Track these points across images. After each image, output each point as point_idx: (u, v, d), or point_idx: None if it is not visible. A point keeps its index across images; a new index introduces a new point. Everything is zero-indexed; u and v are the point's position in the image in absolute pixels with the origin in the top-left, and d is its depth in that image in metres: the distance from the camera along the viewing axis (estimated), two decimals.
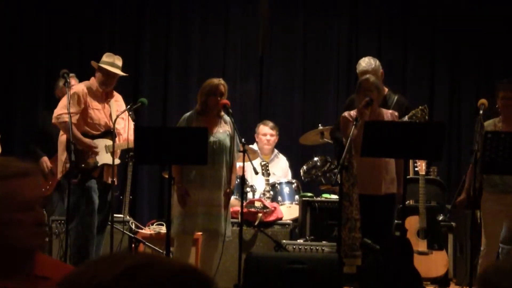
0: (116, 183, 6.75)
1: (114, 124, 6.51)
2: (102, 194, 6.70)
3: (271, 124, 8.50)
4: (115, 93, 6.90)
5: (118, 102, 6.86)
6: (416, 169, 7.56)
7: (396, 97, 7.09)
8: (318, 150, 8.50)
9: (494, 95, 6.52)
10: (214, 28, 9.73)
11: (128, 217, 7.62)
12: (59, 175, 6.83)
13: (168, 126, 8.91)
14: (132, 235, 7.26)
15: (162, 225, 7.32)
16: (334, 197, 7.59)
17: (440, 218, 7.62)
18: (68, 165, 6.50)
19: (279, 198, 7.93)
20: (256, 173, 6.70)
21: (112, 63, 6.74)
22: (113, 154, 6.51)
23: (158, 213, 9.13)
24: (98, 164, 6.63)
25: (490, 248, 6.36)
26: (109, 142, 6.66)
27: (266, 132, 8.44)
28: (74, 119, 6.55)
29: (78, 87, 6.80)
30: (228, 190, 6.49)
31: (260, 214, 7.45)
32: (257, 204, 7.51)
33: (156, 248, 7.02)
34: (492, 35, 9.42)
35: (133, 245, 7.22)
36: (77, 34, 9.55)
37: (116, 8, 9.68)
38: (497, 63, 9.48)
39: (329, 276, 5.62)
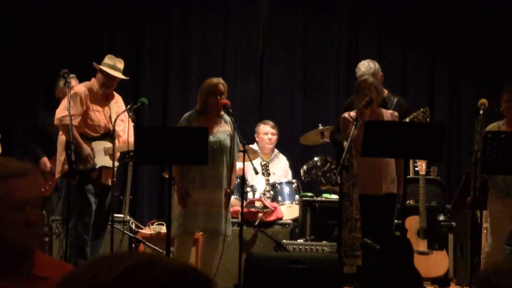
0: (115, 185, 6.74)
1: (114, 125, 6.50)
2: (101, 196, 6.67)
3: (271, 123, 8.50)
4: (115, 94, 6.88)
5: (118, 104, 6.84)
6: (416, 169, 7.55)
7: (396, 99, 7.10)
8: (318, 150, 8.51)
9: (494, 95, 6.53)
10: (214, 28, 9.73)
11: (128, 217, 7.62)
12: (57, 175, 6.83)
13: (168, 126, 8.90)
14: (132, 235, 7.25)
15: (162, 225, 7.32)
16: (334, 197, 7.59)
17: (440, 218, 7.63)
18: (66, 166, 6.49)
19: (279, 198, 7.93)
20: (256, 173, 6.69)
21: (114, 65, 6.73)
22: (113, 156, 6.50)
23: (158, 213, 9.13)
24: (96, 167, 6.62)
25: (496, 249, 6.37)
26: (108, 144, 6.64)
27: (268, 131, 8.44)
28: (76, 121, 6.53)
29: (79, 88, 6.77)
30: (228, 190, 6.49)
31: (260, 214, 7.45)
32: (257, 204, 7.51)
33: (156, 248, 7.02)
34: (492, 35, 9.42)
35: (133, 245, 7.21)
36: (77, 34, 9.55)
37: (116, 8, 9.68)
38: (497, 63, 9.48)
39: (329, 276, 5.62)
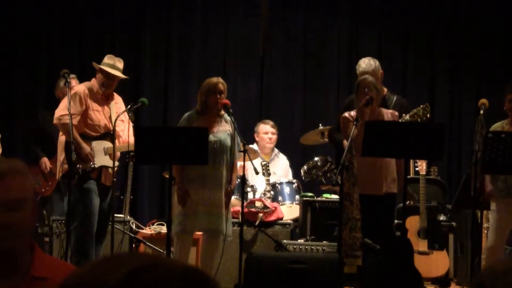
0: (115, 185, 6.73)
1: (114, 125, 6.50)
2: (101, 197, 6.67)
3: (271, 123, 8.50)
4: (115, 95, 6.88)
5: (118, 104, 6.83)
6: (416, 169, 7.55)
7: (395, 98, 7.09)
8: (318, 150, 8.50)
9: (494, 96, 6.53)
10: (215, 28, 9.73)
11: (128, 217, 7.62)
12: (57, 175, 6.83)
13: (168, 126, 8.90)
14: (133, 235, 7.25)
15: (163, 225, 7.32)
16: (335, 197, 7.59)
17: (441, 218, 7.62)
18: (66, 166, 6.49)
19: (280, 198, 7.93)
20: (257, 173, 6.69)
21: (113, 65, 6.73)
22: (113, 156, 6.50)
23: (158, 213, 9.13)
24: (96, 166, 6.62)
25: (497, 245, 6.38)
26: (108, 144, 6.64)
27: (267, 130, 8.44)
28: (75, 120, 6.53)
29: (79, 87, 6.78)
30: (229, 190, 6.49)
31: (260, 214, 7.45)
32: (258, 204, 7.51)
33: (157, 248, 7.02)
34: (493, 35, 9.42)
35: (133, 245, 7.21)
36: (78, 34, 9.55)
37: (117, 8, 9.67)
38: (498, 63, 9.48)
39: (329, 276, 5.62)
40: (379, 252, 6.07)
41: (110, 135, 6.60)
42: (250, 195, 7.79)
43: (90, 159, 6.56)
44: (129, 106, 6.71)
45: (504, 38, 9.38)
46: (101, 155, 6.64)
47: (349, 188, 6.20)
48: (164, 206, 8.97)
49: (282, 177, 8.25)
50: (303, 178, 8.10)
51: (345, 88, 9.48)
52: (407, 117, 6.75)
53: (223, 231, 6.39)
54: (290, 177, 8.38)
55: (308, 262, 5.68)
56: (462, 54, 9.62)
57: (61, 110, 6.54)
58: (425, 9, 9.64)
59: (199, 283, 1.14)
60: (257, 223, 7.42)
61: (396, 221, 6.74)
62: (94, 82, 6.75)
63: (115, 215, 6.71)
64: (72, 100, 6.52)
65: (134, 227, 7.43)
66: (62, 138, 6.64)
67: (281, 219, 7.59)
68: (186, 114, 6.59)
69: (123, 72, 6.79)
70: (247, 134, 8.03)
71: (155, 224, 7.52)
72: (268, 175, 7.84)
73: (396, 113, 6.58)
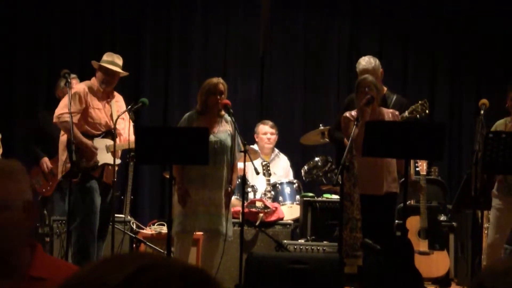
0: (115, 185, 6.73)
1: (115, 124, 6.50)
2: (102, 196, 6.67)
3: (270, 123, 8.50)
4: (115, 93, 6.89)
5: (118, 103, 6.84)
6: (417, 169, 7.55)
7: (395, 97, 7.10)
8: (319, 150, 8.50)
9: (494, 96, 6.53)
10: (215, 28, 9.73)
11: (129, 217, 7.62)
12: (59, 175, 6.83)
13: (169, 126, 8.90)
14: (133, 235, 7.25)
15: (163, 225, 7.32)
16: (335, 197, 7.59)
17: (441, 218, 7.62)
18: (68, 165, 6.49)
19: (280, 198, 7.93)
20: (257, 173, 6.69)
21: (112, 61, 6.73)
22: (114, 154, 6.50)
23: (159, 213, 9.13)
24: (99, 164, 6.62)
25: (497, 242, 6.39)
26: (109, 142, 6.65)
27: (267, 130, 8.44)
28: (75, 118, 6.53)
29: (79, 86, 6.79)
30: (229, 190, 6.49)
31: (261, 214, 7.45)
32: (258, 204, 7.50)
33: (157, 248, 7.02)
34: (493, 35, 9.42)
35: (134, 246, 7.21)
36: (78, 34, 9.55)
37: (117, 8, 9.67)
38: (498, 63, 9.48)
39: (330, 276, 5.62)
40: (379, 252, 6.07)
41: (111, 133, 6.60)
42: (250, 195, 7.79)
43: (93, 152, 6.56)
44: (129, 106, 6.72)
45: (504, 38, 9.38)
46: (103, 153, 6.64)
47: (349, 188, 6.20)
48: (165, 206, 8.97)
49: (282, 177, 8.25)
50: (303, 178, 8.10)
51: (345, 88, 9.48)
52: (406, 113, 6.75)
53: (223, 231, 6.39)
54: (290, 177, 8.38)
55: (309, 262, 5.68)
56: (462, 54, 9.62)
57: (61, 109, 6.55)
58: (425, 9, 9.64)
59: (200, 282, 1.14)
60: (257, 223, 7.42)
61: (396, 221, 6.73)
62: (94, 81, 6.76)
63: (116, 215, 6.71)
64: (72, 99, 6.52)
65: (134, 227, 7.43)
66: (63, 137, 6.65)
67: (282, 219, 7.59)
68: (187, 114, 6.59)
69: (123, 69, 6.79)
70: (247, 134, 8.02)
71: (156, 224, 7.52)
72: (268, 175, 7.84)
73: (397, 113, 6.58)
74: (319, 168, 7.99)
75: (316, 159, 8.06)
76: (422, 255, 7.15)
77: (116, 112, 6.68)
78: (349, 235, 6.17)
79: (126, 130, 6.67)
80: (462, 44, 9.60)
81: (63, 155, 6.63)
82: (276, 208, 7.57)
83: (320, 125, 8.29)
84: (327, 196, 7.86)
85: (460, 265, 7.61)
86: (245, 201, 6.93)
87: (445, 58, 9.73)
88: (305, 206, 7.60)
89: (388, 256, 6.05)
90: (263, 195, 7.79)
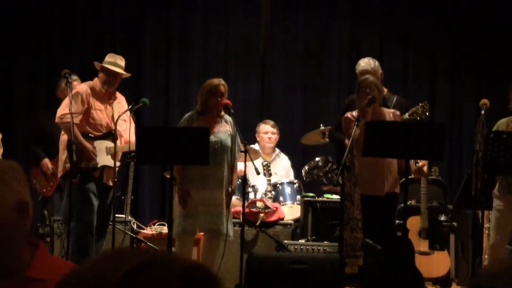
0: (116, 185, 6.72)
1: (115, 125, 6.50)
2: (102, 197, 6.67)
3: (271, 122, 8.50)
4: (118, 94, 6.87)
5: (120, 104, 6.83)
6: None
7: (395, 98, 7.10)
8: (319, 150, 8.50)
9: (494, 96, 6.53)
10: (215, 28, 9.73)
11: (129, 217, 7.62)
12: (59, 175, 6.83)
13: (169, 126, 8.90)
14: (134, 235, 7.25)
15: (164, 225, 7.32)
16: (336, 197, 7.59)
17: (442, 218, 7.62)
18: (68, 165, 6.49)
19: (281, 198, 7.93)
20: (258, 173, 6.69)
21: (114, 62, 6.73)
22: (114, 156, 6.50)
23: (159, 213, 9.13)
24: (98, 166, 6.62)
25: (499, 243, 6.39)
26: (110, 144, 6.64)
27: (268, 130, 8.44)
28: (77, 119, 6.53)
29: (81, 87, 6.78)
30: (229, 190, 6.48)
31: (261, 214, 7.45)
32: (259, 204, 7.50)
33: (158, 249, 7.02)
34: (493, 35, 9.42)
35: (134, 246, 7.21)
36: (78, 34, 9.55)
37: (117, 8, 9.67)
38: (498, 63, 9.48)
39: (330, 276, 5.62)
40: (380, 252, 6.07)
41: (112, 134, 6.60)
42: (251, 195, 7.79)
43: (92, 157, 6.56)
44: (130, 106, 6.72)
45: (504, 38, 9.38)
46: (102, 155, 6.64)
47: (350, 188, 6.20)
48: (165, 206, 8.97)
49: (283, 177, 8.25)
50: (304, 178, 8.10)
51: (345, 88, 9.48)
52: (406, 115, 6.75)
53: (224, 231, 6.38)
54: (291, 177, 8.37)
55: (309, 262, 5.68)
56: (462, 54, 9.62)
57: (63, 109, 6.54)
58: (426, 9, 9.64)
59: (201, 279, 1.14)
60: (258, 223, 7.42)
61: (397, 221, 6.73)
62: (96, 81, 6.76)
63: (116, 215, 6.71)
64: (74, 99, 6.52)
65: (135, 227, 7.43)
66: (63, 137, 6.64)
67: (282, 219, 7.59)
68: (187, 114, 6.59)
69: (125, 70, 6.79)
70: (247, 134, 8.02)
71: (156, 224, 7.52)
72: (269, 175, 7.84)
73: (398, 112, 6.58)
74: (320, 168, 7.99)
75: (317, 159, 8.06)
76: (423, 255, 7.15)
77: (118, 114, 6.67)
78: (349, 235, 6.17)
79: (127, 131, 6.66)
80: (462, 44, 9.59)
81: (63, 155, 6.63)
82: (276, 208, 7.57)
83: (321, 125, 8.29)
84: (327, 196, 7.86)
85: (461, 265, 7.60)
86: (245, 201, 6.93)
87: (445, 58, 9.73)
88: (306, 206, 7.60)
89: (388, 256, 6.05)
90: (263, 195, 7.79)
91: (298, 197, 7.92)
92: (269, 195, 7.77)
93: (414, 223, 7.21)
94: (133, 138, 6.44)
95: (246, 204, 7.00)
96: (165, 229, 7.17)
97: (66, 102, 6.56)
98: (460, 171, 9.26)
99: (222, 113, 6.54)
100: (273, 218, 7.51)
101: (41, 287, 2.03)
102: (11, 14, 9.44)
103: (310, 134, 8.42)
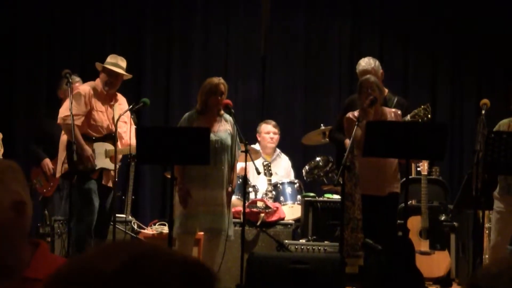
0: (116, 186, 6.72)
1: (116, 126, 6.49)
2: (102, 197, 6.66)
3: (273, 122, 8.50)
4: (119, 96, 6.85)
5: (121, 106, 6.81)
6: (418, 169, 7.55)
7: (396, 99, 7.10)
8: (320, 150, 8.50)
9: (495, 96, 6.53)
10: (216, 28, 9.73)
11: (130, 217, 7.62)
12: (57, 175, 6.83)
13: (170, 126, 8.90)
14: (134, 235, 7.26)
15: (164, 225, 7.32)
16: (337, 197, 7.59)
17: (443, 218, 7.61)
18: (66, 165, 6.49)
19: (281, 198, 7.93)
20: (258, 173, 6.69)
21: (116, 63, 6.72)
22: (115, 158, 6.49)
23: (160, 213, 9.13)
24: (96, 168, 6.61)
25: (500, 244, 6.39)
26: (110, 146, 6.62)
27: (269, 130, 8.44)
28: (79, 121, 6.50)
29: (84, 87, 6.75)
30: (229, 189, 6.48)
31: (262, 214, 7.44)
32: (259, 204, 7.50)
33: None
34: (493, 35, 9.41)
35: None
36: (79, 35, 9.55)
37: (117, 8, 9.68)
38: (499, 63, 9.48)
39: (331, 276, 5.62)
40: (380, 252, 6.07)
41: (112, 136, 6.58)
42: (252, 195, 7.79)
43: (91, 162, 6.55)
44: (130, 106, 6.71)
45: (504, 38, 9.38)
46: (101, 158, 6.63)
47: (350, 188, 6.20)
48: (166, 206, 8.97)
49: (284, 177, 8.25)
50: (304, 178, 8.10)
51: (346, 88, 9.48)
52: (408, 117, 6.75)
53: (225, 229, 6.38)
54: (292, 177, 8.37)
55: (310, 262, 5.68)
56: (463, 54, 9.62)
57: (65, 109, 6.51)
58: (426, 9, 9.64)
59: (199, 274, 1.13)
60: (258, 223, 7.42)
61: (398, 221, 6.73)
62: (98, 82, 6.74)
63: (117, 215, 6.71)
64: (76, 100, 6.50)
65: (135, 227, 7.43)
66: (64, 137, 6.64)
67: (283, 219, 7.59)
68: (186, 114, 6.59)
69: (126, 71, 6.78)
70: (248, 134, 8.02)
71: (157, 224, 7.52)
72: (270, 175, 7.84)
73: (399, 112, 6.57)
74: (320, 168, 7.99)
75: (317, 159, 8.06)
76: (423, 255, 7.15)
77: (118, 115, 6.65)
78: (350, 235, 6.17)
79: (127, 133, 6.64)
80: (462, 44, 9.59)
81: (62, 155, 6.63)
82: (277, 208, 7.57)
83: (321, 125, 8.29)
84: (328, 196, 7.86)
85: (461, 265, 7.60)
86: (246, 201, 6.93)
87: (445, 58, 9.73)
88: (306, 206, 7.60)
89: (389, 256, 6.05)
90: (264, 195, 7.78)
91: (299, 197, 7.92)
92: (270, 195, 7.77)
93: (414, 223, 7.21)
94: (133, 141, 6.42)
95: (246, 204, 7.00)
96: (165, 229, 7.17)
97: (68, 102, 6.54)
98: (460, 171, 9.26)
99: (222, 112, 6.53)
100: (274, 218, 7.51)
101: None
102: (12, 14, 9.44)
103: (310, 134, 8.42)
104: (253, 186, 7.86)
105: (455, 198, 7.39)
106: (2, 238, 2.06)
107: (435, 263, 7.23)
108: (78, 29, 9.54)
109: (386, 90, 7.03)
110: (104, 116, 6.69)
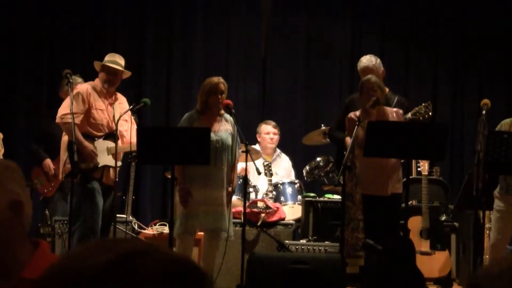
0: (116, 186, 6.72)
1: (116, 125, 6.49)
2: (103, 197, 6.66)
3: (273, 123, 8.50)
4: (119, 95, 6.86)
5: (121, 105, 6.82)
6: (419, 169, 7.55)
7: (396, 98, 7.09)
8: (320, 150, 8.49)
9: (495, 96, 6.53)
10: (217, 28, 9.73)
11: (131, 217, 7.62)
12: (60, 175, 6.82)
13: (171, 126, 8.90)
14: (135, 235, 7.26)
15: (165, 225, 7.32)
16: (337, 197, 7.59)
17: (443, 218, 7.62)
18: (68, 166, 6.49)
19: (282, 198, 7.93)
20: (259, 173, 6.69)
21: (114, 61, 6.73)
22: (116, 156, 6.50)
23: (161, 213, 9.13)
24: (99, 165, 6.61)
25: (499, 243, 6.39)
26: (111, 144, 6.63)
27: (269, 130, 8.44)
28: (78, 119, 6.51)
29: (82, 87, 6.78)
30: (229, 189, 6.48)
31: (262, 214, 7.44)
32: (260, 204, 7.50)
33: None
34: (494, 35, 9.42)
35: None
36: (80, 34, 9.55)
37: (119, 8, 9.68)
38: (499, 63, 9.48)
39: (332, 276, 5.62)
40: (381, 253, 6.07)
41: (113, 135, 6.59)
42: (252, 196, 7.79)
43: (93, 157, 6.55)
44: (131, 106, 6.71)
45: (505, 38, 9.38)
46: (103, 155, 6.63)
47: (351, 188, 6.20)
48: (166, 206, 8.97)
49: (284, 178, 8.25)
50: (305, 178, 8.10)
51: (347, 88, 9.48)
52: (409, 115, 6.75)
53: (225, 229, 6.38)
54: (292, 177, 8.37)
55: (310, 263, 5.68)
56: (464, 54, 9.62)
57: (64, 109, 6.53)
58: (427, 9, 9.64)
59: (190, 274, 1.12)
60: (259, 223, 7.41)
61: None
62: (97, 81, 6.75)
63: (117, 215, 6.71)
64: (75, 99, 6.51)
65: (136, 227, 7.43)
66: (65, 138, 6.64)
67: (283, 219, 7.59)
68: (187, 114, 6.59)
69: (125, 69, 6.78)
70: (248, 134, 8.02)
71: (157, 224, 7.52)
72: (270, 175, 7.83)
73: (401, 111, 6.57)
74: (321, 168, 7.99)
75: (318, 159, 8.06)
76: (424, 255, 7.14)
77: (119, 114, 6.66)
78: (350, 235, 6.17)
79: (128, 132, 6.65)
80: (463, 44, 9.59)
81: (64, 155, 6.63)
82: (277, 208, 7.57)
83: (322, 125, 8.29)
84: (328, 196, 7.86)
85: (462, 265, 7.60)
86: (246, 201, 6.93)
87: (445, 58, 9.73)
88: (307, 206, 7.60)
89: (389, 256, 6.05)
90: (264, 195, 7.78)
91: (299, 197, 7.92)
92: (270, 195, 7.77)
93: (415, 223, 7.21)
94: (134, 139, 6.43)
95: (247, 204, 7.00)
96: (166, 229, 7.17)
97: (67, 102, 6.55)
98: (461, 171, 9.26)
99: (222, 111, 6.53)
100: (274, 218, 7.51)
101: None
102: (12, 14, 9.44)
103: (311, 134, 8.42)
104: (254, 186, 7.86)
105: (456, 198, 7.40)
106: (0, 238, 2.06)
107: (436, 263, 7.23)
108: (78, 29, 9.54)
109: (387, 89, 7.03)
110: (104, 115, 6.69)
